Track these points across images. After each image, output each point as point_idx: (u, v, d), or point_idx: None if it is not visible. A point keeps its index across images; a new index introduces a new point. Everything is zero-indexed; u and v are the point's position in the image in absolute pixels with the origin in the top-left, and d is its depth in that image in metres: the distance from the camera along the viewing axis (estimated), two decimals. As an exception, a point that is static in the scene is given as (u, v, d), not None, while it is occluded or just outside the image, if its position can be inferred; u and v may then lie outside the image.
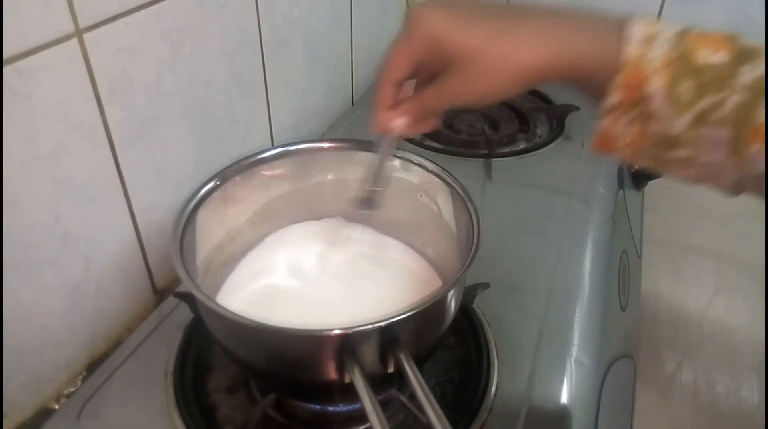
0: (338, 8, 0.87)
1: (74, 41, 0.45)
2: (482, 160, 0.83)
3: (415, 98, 0.41)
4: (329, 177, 0.56)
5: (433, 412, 0.36)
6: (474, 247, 0.43)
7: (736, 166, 0.33)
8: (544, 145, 0.87)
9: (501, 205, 0.75)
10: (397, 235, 0.57)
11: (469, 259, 0.42)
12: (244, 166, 0.52)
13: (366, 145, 0.53)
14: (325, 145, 0.55)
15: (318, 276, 0.53)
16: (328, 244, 0.55)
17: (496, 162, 0.83)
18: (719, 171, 0.34)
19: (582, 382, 0.52)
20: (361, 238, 0.56)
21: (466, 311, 0.56)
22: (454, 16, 0.37)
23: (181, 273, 0.41)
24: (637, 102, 0.34)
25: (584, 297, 0.61)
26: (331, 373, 0.40)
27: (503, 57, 0.36)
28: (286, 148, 0.54)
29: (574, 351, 0.55)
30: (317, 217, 0.58)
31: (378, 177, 0.45)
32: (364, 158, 0.53)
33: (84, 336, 0.54)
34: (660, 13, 0.96)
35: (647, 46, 0.33)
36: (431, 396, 0.37)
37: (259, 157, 0.52)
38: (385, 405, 0.48)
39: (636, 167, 0.89)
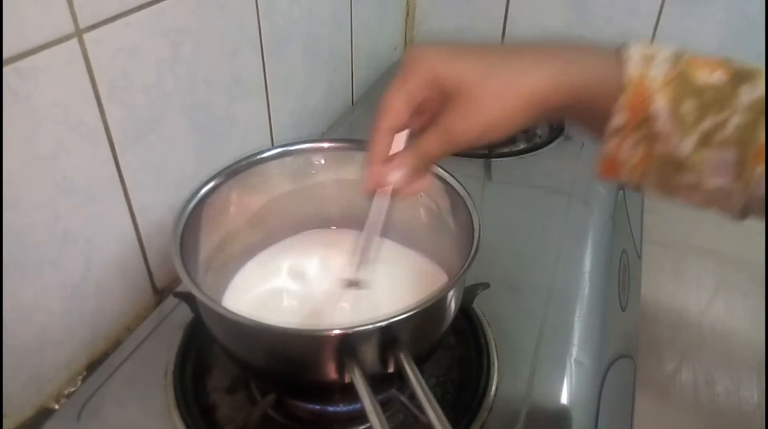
0: (338, 8, 0.87)
1: (74, 41, 0.45)
2: (482, 160, 0.83)
3: (411, 147, 0.38)
4: (329, 177, 0.56)
5: (433, 412, 0.36)
6: (474, 247, 0.43)
7: (743, 191, 0.33)
8: (544, 145, 0.87)
9: (501, 205, 0.75)
10: (398, 235, 0.57)
11: (469, 259, 0.42)
12: (244, 166, 0.52)
13: (366, 145, 0.53)
14: (325, 145, 0.55)
15: (319, 277, 0.53)
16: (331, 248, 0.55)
17: (496, 162, 0.83)
18: (726, 196, 0.34)
19: (582, 382, 0.52)
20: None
21: (466, 311, 0.56)
22: (452, 52, 0.36)
23: (181, 273, 0.41)
24: (642, 122, 0.34)
25: (584, 297, 0.61)
26: (331, 373, 0.40)
27: (504, 86, 0.35)
28: (286, 148, 0.54)
29: (574, 351, 0.55)
30: (317, 217, 0.58)
31: (368, 250, 0.41)
32: (364, 158, 0.53)
33: (84, 336, 0.54)
34: (660, 12, 0.96)
35: (647, 66, 0.33)
36: (431, 396, 0.37)
37: (259, 157, 0.52)
38: (385, 405, 0.48)
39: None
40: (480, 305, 0.57)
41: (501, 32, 1.07)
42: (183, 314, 0.55)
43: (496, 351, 0.54)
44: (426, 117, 0.38)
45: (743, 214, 0.35)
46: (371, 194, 0.40)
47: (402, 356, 0.39)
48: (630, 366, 0.65)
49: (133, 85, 0.52)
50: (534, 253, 0.66)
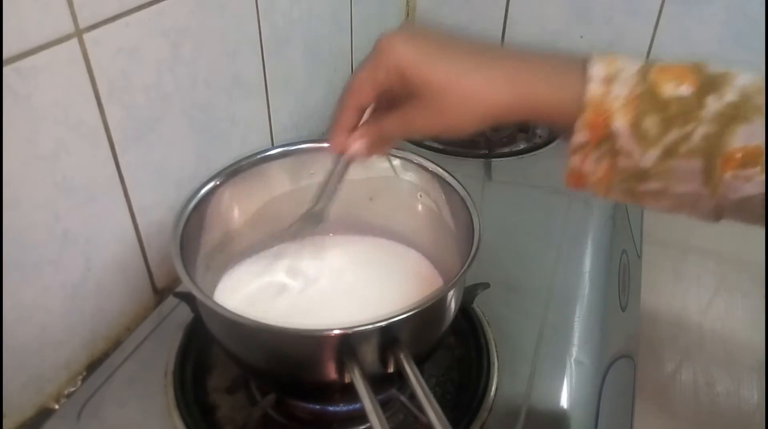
0: (338, 8, 0.87)
1: (74, 41, 0.45)
2: (482, 160, 0.83)
3: (375, 124, 0.41)
4: (329, 177, 0.55)
5: (433, 412, 0.36)
6: (474, 247, 0.43)
7: (712, 194, 0.33)
8: (544, 145, 0.87)
9: (501, 205, 0.75)
10: (397, 234, 0.57)
11: (469, 259, 0.42)
12: (244, 166, 0.52)
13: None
14: (325, 145, 0.54)
15: (318, 276, 0.53)
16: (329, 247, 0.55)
17: (496, 162, 0.83)
18: (695, 200, 0.35)
19: (582, 382, 0.52)
20: (362, 238, 0.56)
21: (466, 311, 0.56)
22: (423, 48, 0.37)
23: (181, 273, 0.41)
24: (604, 139, 0.34)
25: (584, 297, 0.61)
26: (331, 373, 0.40)
27: (468, 97, 0.36)
28: (286, 148, 0.54)
29: (574, 351, 0.55)
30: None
31: (327, 194, 0.46)
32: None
33: (84, 336, 0.54)
34: (660, 12, 0.96)
35: (610, 85, 0.34)
36: (431, 396, 0.37)
37: (259, 157, 0.52)
38: (385, 405, 0.48)
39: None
40: (480, 305, 0.57)
41: (501, 32, 1.07)
42: (183, 314, 0.55)
43: (496, 351, 0.54)
44: (386, 95, 0.40)
45: (716, 216, 0.35)
46: (334, 155, 0.45)
47: (402, 356, 0.39)
48: (630, 366, 0.65)
49: (133, 85, 0.52)
50: (534, 253, 0.66)
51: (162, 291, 0.63)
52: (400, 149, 0.52)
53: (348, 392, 0.40)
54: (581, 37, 1.02)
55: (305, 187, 0.56)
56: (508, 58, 0.37)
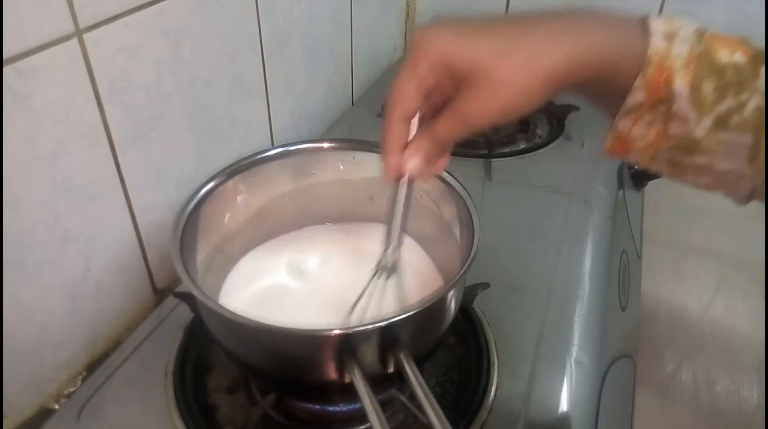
0: (338, 8, 0.87)
1: (74, 41, 0.45)
2: (482, 160, 0.83)
3: (425, 132, 0.37)
4: (329, 177, 0.56)
5: (433, 412, 0.36)
6: (474, 247, 0.43)
7: (756, 174, 0.32)
8: (544, 145, 0.87)
9: (501, 205, 0.75)
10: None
11: (470, 259, 0.42)
12: (244, 166, 0.52)
13: (366, 145, 0.53)
14: (325, 145, 0.55)
15: (318, 276, 0.53)
16: (330, 246, 0.55)
17: (496, 162, 0.83)
18: (736, 179, 0.33)
19: (582, 382, 0.52)
20: (362, 238, 0.56)
21: (466, 311, 0.56)
22: (462, 33, 0.34)
23: (181, 273, 0.41)
24: (661, 101, 0.32)
25: (584, 297, 0.61)
26: (331, 373, 0.40)
27: (521, 66, 0.33)
28: (286, 148, 0.54)
29: (574, 351, 0.55)
30: (317, 217, 0.58)
31: (395, 228, 0.40)
32: (364, 158, 0.53)
33: (84, 336, 0.54)
34: (660, 12, 0.96)
35: (670, 42, 0.32)
36: (431, 396, 0.37)
37: (259, 157, 0.52)
38: (385, 405, 0.48)
39: (638, 168, 0.88)
40: (480, 305, 0.57)
41: (501, 32, 1.07)
42: (183, 314, 0.55)
43: (496, 351, 0.54)
44: (437, 98, 0.36)
45: (748, 198, 0.34)
46: (392, 183, 0.39)
47: (402, 356, 0.39)
48: (630, 366, 0.65)
49: (133, 85, 0.52)
50: (534, 253, 0.66)
51: (162, 291, 0.63)
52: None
53: (348, 392, 0.39)
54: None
55: (305, 188, 0.56)
56: (560, 19, 0.34)
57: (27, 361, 0.49)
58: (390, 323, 0.37)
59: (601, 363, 0.56)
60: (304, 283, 0.52)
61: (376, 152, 0.44)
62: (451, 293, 0.43)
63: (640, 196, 0.93)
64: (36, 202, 0.46)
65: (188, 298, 0.54)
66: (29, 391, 0.50)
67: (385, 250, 0.41)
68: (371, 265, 0.55)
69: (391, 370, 0.40)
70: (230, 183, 0.51)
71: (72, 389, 0.53)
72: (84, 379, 0.54)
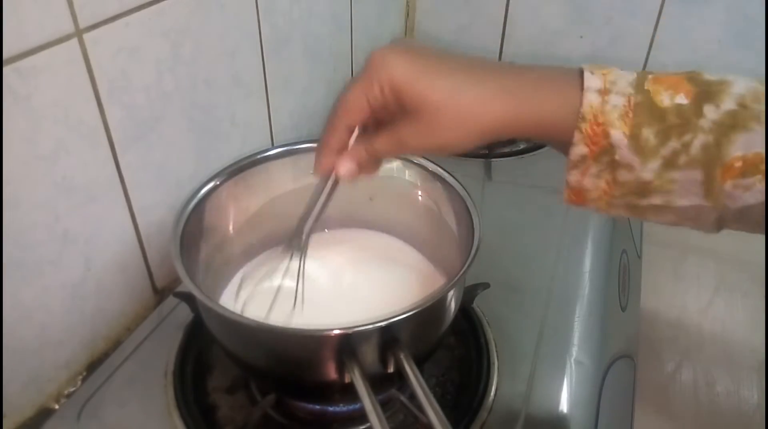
0: (338, 8, 0.87)
1: (74, 41, 0.45)
2: (482, 160, 0.83)
3: (365, 144, 0.39)
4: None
5: (433, 412, 0.36)
6: (474, 247, 0.43)
7: (713, 206, 0.33)
8: (544, 145, 0.87)
9: (501, 205, 0.75)
10: (398, 234, 0.57)
11: (470, 259, 0.42)
12: (245, 165, 0.52)
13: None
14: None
15: (318, 276, 0.53)
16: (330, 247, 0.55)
17: (496, 162, 0.83)
18: (697, 213, 0.34)
19: (582, 382, 0.52)
20: (361, 238, 0.56)
21: (466, 311, 0.56)
22: (417, 64, 0.36)
23: (181, 273, 0.41)
24: (603, 152, 0.34)
25: (584, 297, 0.61)
26: (331, 373, 0.40)
27: (465, 113, 0.35)
28: (286, 148, 0.54)
29: (574, 351, 0.55)
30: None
31: (312, 218, 0.44)
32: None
33: (84, 336, 0.54)
34: (660, 12, 0.96)
35: (606, 96, 0.33)
36: (431, 396, 0.37)
37: (259, 157, 0.52)
38: (385, 405, 0.48)
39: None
40: (480, 305, 0.57)
41: (501, 32, 1.07)
42: (183, 314, 0.55)
43: (496, 351, 0.54)
44: (381, 114, 0.38)
45: (718, 227, 0.35)
46: (322, 178, 0.42)
47: (402, 356, 0.39)
48: (630, 366, 0.65)
49: (133, 85, 0.52)
50: (534, 253, 0.66)
51: (162, 291, 0.63)
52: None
53: (348, 392, 0.40)
54: (581, 37, 1.02)
55: (305, 188, 0.56)
56: (502, 73, 0.36)
57: (27, 361, 0.49)
58: (390, 323, 0.37)
59: (601, 363, 0.56)
60: (304, 284, 0.52)
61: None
62: (451, 293, 0.43)
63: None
64: (36, 202, 0.46)
65: (188, 298, 0.54)
66: (29, 391, 0.50)
67: (298, 232, 0.45)
68: (371, 265, 0.55)
69: (391, 370, 0.40)
70: (230, 183, 0.51)
71: (72, 389, 0.53)
72: (84, 379, 0.54)
